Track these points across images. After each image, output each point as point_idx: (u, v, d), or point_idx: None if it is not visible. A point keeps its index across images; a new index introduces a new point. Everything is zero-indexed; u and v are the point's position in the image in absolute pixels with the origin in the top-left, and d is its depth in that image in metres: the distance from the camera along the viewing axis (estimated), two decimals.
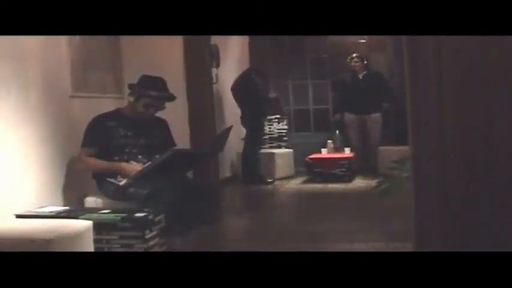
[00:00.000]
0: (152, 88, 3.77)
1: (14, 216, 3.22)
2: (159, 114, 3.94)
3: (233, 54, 8.05)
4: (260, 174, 7.38)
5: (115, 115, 3.87)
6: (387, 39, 8.41)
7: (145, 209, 3.31)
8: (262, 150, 7.67)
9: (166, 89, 3.84)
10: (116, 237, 3.16)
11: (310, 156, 7.50)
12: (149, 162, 3.63)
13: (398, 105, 7.61)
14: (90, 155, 3.74)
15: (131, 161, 3.72)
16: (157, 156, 3.65)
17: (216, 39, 6.36)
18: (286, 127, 8.20)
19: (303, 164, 7.59)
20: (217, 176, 5.29)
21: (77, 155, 3.80)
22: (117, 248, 3.15)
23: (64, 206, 3.64)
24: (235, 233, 4.91)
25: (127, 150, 3.76)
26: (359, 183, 7.17)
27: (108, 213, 3.30)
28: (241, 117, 7.47)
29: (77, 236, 2.81)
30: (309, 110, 9.03)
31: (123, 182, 3.63)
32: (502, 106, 1.86)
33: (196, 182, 4.42)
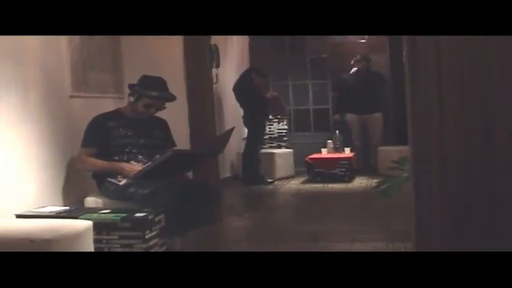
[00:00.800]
0: (152, 88, 3.77)
1: (14, 216, 3.22)
2: (159, 114, 3.94)
3: (233, 54, 8.05)
4: (260, 174, 7.39)
5: (115, 115, 3.87)
6: (387, 39, 8.40)
7: (145, 209, 3.31)
8: (263, 150, 7.67)
9: (166, 89, 3.84)
10: (116, 237, 3.16)
11: (310, 156, 7.50)
12: (149, 162, 3.63)
13: (398, 105, 7.62)
14: (90, 155, 3.73)
15: (131, 161, 3.71)
16: (157, 156, 3.65)
17: (216, 39, 6.36)
18: (286, 127, 8.20)
19: (303, 164, 7.59)
20: (217, 176, 5.28)
21: (77, 155, 3.80)
22: (117, 248, 3.15)
23: (64, 206, 3.63)
24: (235, 233, 4.91)
25: (127, 150, 3.75)
26: (359, 183, 7.17)
27: (108, 213, 3.30)
28: (243, 117, 7.48)
29: (77, 236, 2.80)
30: (309, 110, 9.03)
31: (123, 182, 3.63)
32: (502, 106, 1.86)
33: (196, 182, 4.42)
